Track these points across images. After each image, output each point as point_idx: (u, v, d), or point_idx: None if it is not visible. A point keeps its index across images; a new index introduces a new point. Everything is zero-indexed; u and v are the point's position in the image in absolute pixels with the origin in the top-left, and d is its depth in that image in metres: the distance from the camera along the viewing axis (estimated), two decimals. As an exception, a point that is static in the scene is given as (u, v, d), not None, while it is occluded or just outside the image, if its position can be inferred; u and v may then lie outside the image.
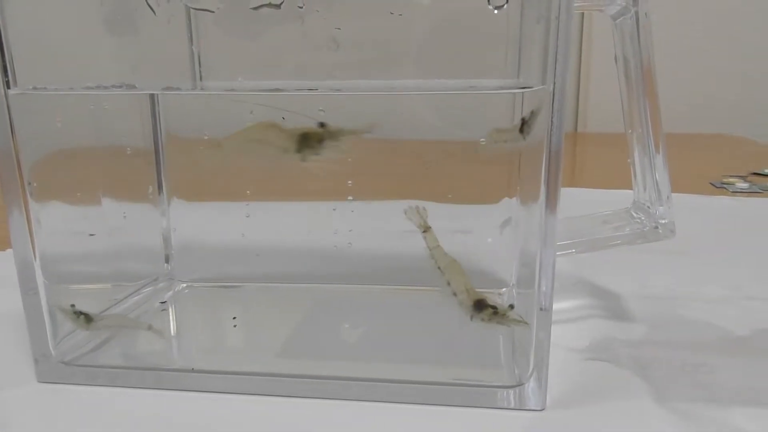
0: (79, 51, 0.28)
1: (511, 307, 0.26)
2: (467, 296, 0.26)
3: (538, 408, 0.26)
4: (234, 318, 0.34)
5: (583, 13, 0.86)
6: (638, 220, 0.33)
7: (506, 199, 0.31)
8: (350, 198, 0.33)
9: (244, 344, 0.33)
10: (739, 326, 0.33)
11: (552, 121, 0.23)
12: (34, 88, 0.27)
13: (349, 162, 0.32)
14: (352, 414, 0.26)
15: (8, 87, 0.26)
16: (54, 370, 0.28)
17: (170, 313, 0.35)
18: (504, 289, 0.33)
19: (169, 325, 0.34)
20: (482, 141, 0.31)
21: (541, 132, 0.24)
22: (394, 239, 0.32)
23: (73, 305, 0.29)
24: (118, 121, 0.34)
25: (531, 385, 0.26)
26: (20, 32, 0.26)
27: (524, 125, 0.25)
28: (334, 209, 0.33)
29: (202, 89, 0.31)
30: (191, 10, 0.28)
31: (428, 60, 0.26)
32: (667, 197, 0.31)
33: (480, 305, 0.26)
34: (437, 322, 0.31)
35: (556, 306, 0.25)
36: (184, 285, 0.37)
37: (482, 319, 0.26)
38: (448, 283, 0.27)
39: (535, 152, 0.24)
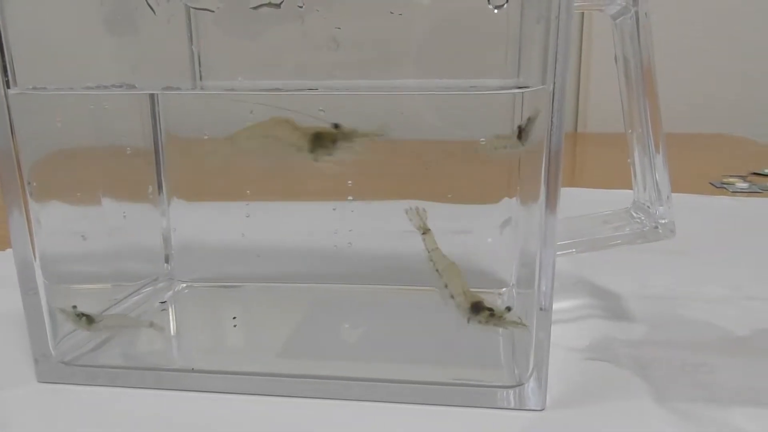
0: (79, 51, 0.28)
1: (509, 309, 0.26)
2: (464, 299, 0.26)
3: (538, 408, 0.26)
4: (234, 318, 0.34)
5: (583, 13, 0.86)
6: (638, 220, 0.33)
7: (506, 199, 0.31)
8: (350, 198, 0.33)
9: (244, 344, 0.33)
10: (739, 326, 0.33)
11: (552, 121, 0.23)
12: (34, 88, 0.27)
13: (349, 162, 0.32)
14: (352, 414, 0.26)
15: (8, 87, 0.26)
16: (54, 370, 0.28)
17: (170, 313, 0.35)
18: (504, 289, 0.33)
19: (169, 325, 0.34)
20: (482, 141, 0.31)
21: (540, 132, 0.24)
22: (394, 239, 0.32)
23: (74, 306, 0.29)
24: (118, 121, 0.34)
25: (531, 385, 0.26)
26: (20, 32, 0.26)
27: (521, 132, 0.25)
28: (334, 209, 0.33)
29: (202, 89, 0.31)
30: (191, 10, 0.28)
31: (428, 60, 0.26)
32: (667, 197, 0.31)
33: (477, 308, 0.26)
34: (437, 322, 0.31)
35: (556, 306, 0.25)
36: (184, 285, 0.37)
37: (479, 322, 0.26)
38: (446, 286, 0.27)
39: (535, 152, 0.24)
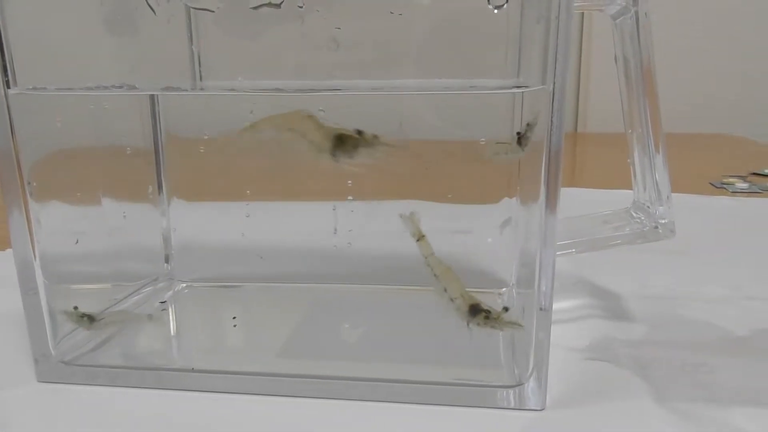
0: (79, 51, 0.28)
1: (506, 309, 0.26)
2: (463, 302, 0.26)
3: (538, 408, 0.26)
4: (234, 318, 0.34)
5: (583, 13, 0.86)
6: (638, 220, 0.33)
7: (506, 199, 0.31)
8: (350, 198, 0.33)
9: (244, 344, 0.33)
10: (739, 326, 0.33)
11: (552, 121, 0.23)
12: (34, 88, 0.27)
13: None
14: (352, 414, 0.26)
15: (8, 87, 0.26)
16: (54, 369, 0.28)
17: (170, 313, 0.35)
18: (504, 289, 0.33)
19: (169, 325, 0.34)
20: (482, 141, 0.31)
21: (540, 132, 0.24)
22: (394, 239, 0.32)
23: (76, 307, 0.29)
24: (118, 121, 0.34)
25: (531, 385, 0.26)
26: (20, 32, 0.26)
27: (521, 138, 0.25)
28: (334, 209, 0.33)
29: (202, 89, 0.31)
30: (191, 10, 0.28)
31: (428, 60, 0.26)
32: (667, 197, 0.31)
33: (474, 310, 0.26)
34: (437, 322, 0.31)
35: (556, 306, 0.25)
36: (184, 285, 0.37)
37: (477, 324, 0.26)
38: (445, 290, 0.27)
39: (535, 152, 0.24)
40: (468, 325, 0.26)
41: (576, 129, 1.24)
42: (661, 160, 0.31)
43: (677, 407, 0.26)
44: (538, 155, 0.24)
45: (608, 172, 0.61)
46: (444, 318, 0.27)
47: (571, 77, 1.23)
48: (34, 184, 0.27)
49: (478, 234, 0.33)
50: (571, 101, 1.23)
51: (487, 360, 0.29)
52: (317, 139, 0.26)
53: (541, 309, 0.25)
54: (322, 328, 0.33)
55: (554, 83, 0.23)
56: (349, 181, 0.32)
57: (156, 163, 0.35)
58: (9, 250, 0.28)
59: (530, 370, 0.26)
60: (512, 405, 0.26)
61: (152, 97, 0.34)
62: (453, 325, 0.27)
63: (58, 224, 0.30)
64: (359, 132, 0.25)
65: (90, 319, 0.30)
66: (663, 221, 0.32)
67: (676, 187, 0.32)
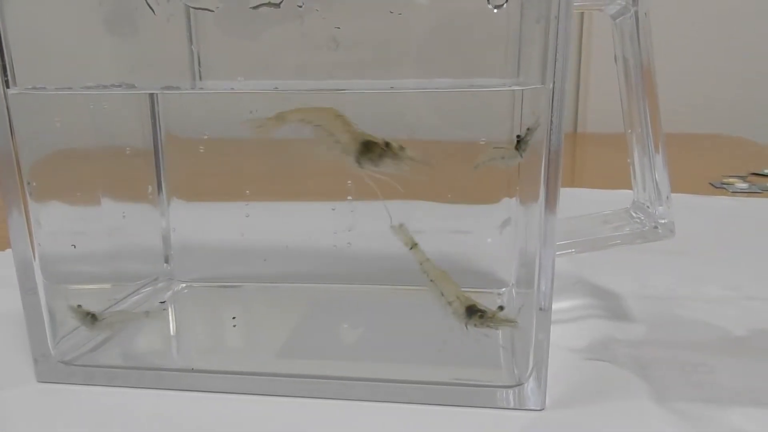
0: (79, 51, 0.28)
1: (501, 308, 0.26)
2: (459, 304, 0.26)
3: (538, 408, 0.26)
4: (234, 318, 0.34)
5: (582, 13, 0.86)
6: (638, 220, 0.33)
7: (506, 199, 0.31)
8: (350, 198, 0.33)
9: (243, 344, 0.33)
10: (739, 326, 0.33)
11: (552, 121, 0.23)
12: (34, 88, 0.27)
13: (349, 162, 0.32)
14: (352, 414, 0.26)
15: (8, 87, 0.26)
16: (53, 369, 0.28)
17: (170, 313, 0.35)
18: (503, 289, 0.33)
19: (169, 325, 0.34)
20: (482, 141, 0.31)
21: (540, 132, 0.24)
22: (393, 239, 0.32)
23: (79, 305, 0.29)
24: (118, 121, 0.34)
25: (530, 385, 0.26)
26: (20, 32, 0.26)
27: (520, 142, 0.25)
28: (333, 209, 0.33)
29: (201, 89, 0.31)
30: (191, 10, 0.28)
31: (428, 59, 0.26)
32: (667, 197, 0.31)
33: (470, 311, 0.26)
34: (437, 322, 0.31)
35: (556, 306, 0.25)
36: (184, 285, 0.37)
37: (474, 325, 0.26)
38: (442, 294, 0.27)
39: (535, 152, 0.24)
40: (466, 327, 0.26)
41: (576, 129, 1.24)
42: (660, 160, 0.31)
43: (677, 407, 0.26)
44: (537, 155, 0.24)
45: (608, 172, 0.61)
46: (443, 318, 0.27)
47: (571, 77, 1.23)
48: (34, 184, 0.27)
49: (477, 234, 0.33)
50: (571, 101, 1.23)
51: (487, 360, 0.29)
52: (344, 141, 0.25)
53: (540, 309, 0.25)
54: (321, 328, 0.33)
55: (554, 83, 0.23)
56: (349, 181, 0.32)
57: (156, 163, 0.35)
58: (9, 250, 0.28)
59: (530, 370, 0.26)
60: (512, 405, 0.26)
61: (152, 97, 0.34)
62: (452, 326, 0.27)
63: (58, 224, 0.30)
64: (387, 143, 0.25)
65: (93, 317, 0.30)
66: (663, 221, 0.32)
67: (676, 187, 0.32)
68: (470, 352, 0.29)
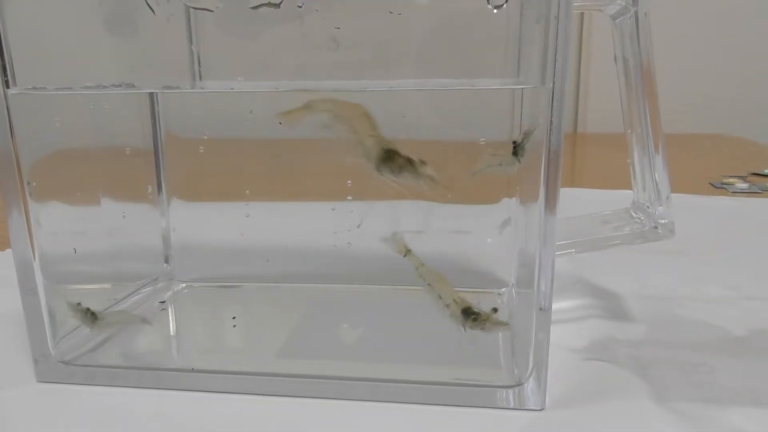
0: (79, 51, 0.28)
1: (495, 310, 0.26)
2: (456, 306, 0.26)
3: (538, 408, 0.26)
4: (234, 318, 0.34)
5: (582, 13, 0.86)
6: (638, 220, 0.33)
7: (506, 199, 0.31)
8: (349, 198, 0.33)
9: (243, 344, 0.33)
10: (739, 326, 0.33)
11: (551, 121, 0.23)
12: (34, 88, 0.27)
13: (349, 162, 0.32)
14: (352, 414, 0.26)
15: (8, 87, 0.26)
16: (53, 369, 0.28)
17: (170, 313, 0.35)
18: (503, 289, 0.33)
19: (169, 325, 0.34)
20: (482, 141, 0.31)
21: (540, 132, 0.24)
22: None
23: (79, 303, 0.29)
24: (118, 121, 0.34)
25: (530, 385, 0.26)
26: (20, 32, 0.26)
27: (517, 148, 0.25)
28: (333, 209, 0.33)
29: (201, 89, 0.31)
30: (191, 10, 0.28)
31: (428, 59, 0.26)
32: (667, 197, 0.31)
33: (466, 314, 0.26)
34: (437, 322, 0.31)
35: (556, 306, 0.25)
36: (184, 285, 0.37)
37: (471, 327, 0.26)
38: (440, 296, 0.27)
39: (535, 152, 0.24)
40: (464, 329, 0.26)
41: (576, 129, 1.24)
42: (660, 160, 0.31)
43: (677, 407, 0.26)
44: (537, 155, 0.24)
45: (608, 172, 0.61)
46: (443, 318, 0.27)
47: (571, 77, 1.23)
48: (34, 184, 0.27)
49: (478, 234, 0.33)
50: (571, 101, 1.23)
51: (487, 360, 0.29)
52: (367, 144, 0.25)
53: (540, 309, 0.25)
54: (321, 328, 0.33)
55: (554, 83, 0.23)
56: (349, 181, 0.32)
57: (156, 163, 0.35)
58: (9, 250, 0.28)
59: (530, 370, 0.26)
60: (512, 405, 0.26)
61: (152, 97, 0.34)
62: (452, 326, 0.27)
63: (58, 224, 0.30)
64: (410, 159, 0.25)
65: (93, 315, 0.30)
66: (662, 221, 0.32)
67: (676, 187, 0.32)
68: (470, 352, 0.29)
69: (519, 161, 0.25)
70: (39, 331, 0.28)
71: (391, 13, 0.25)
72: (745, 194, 0.66)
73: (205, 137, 0.34)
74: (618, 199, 0.34)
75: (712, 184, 0.70)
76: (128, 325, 0.32)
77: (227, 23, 0.27)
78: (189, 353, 0.32)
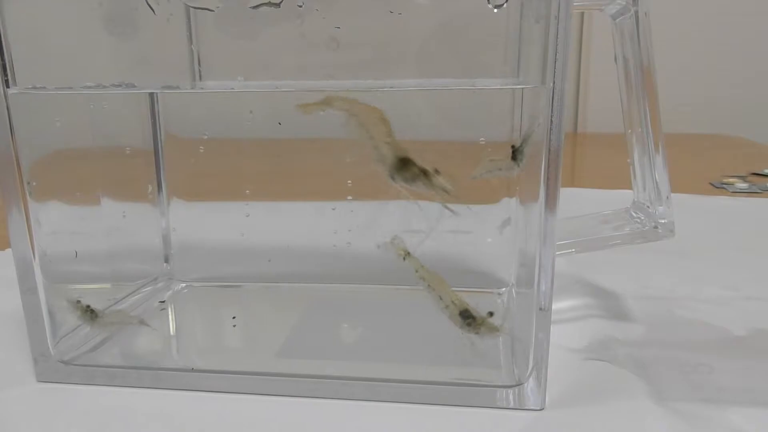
0: (79, 50, 0.28)
1: (491, 314, 0.26)
2: (455, 308, 0.26)
3: (537, 408, 0.26)
4: (234, 318, 0.34)
5: (582, 13, 0.86)
6: (638, 220, 0.33)
7: (506, 199, 0.31)
8: (349, 198, 0.33)
9: (243, 344, 0.33)
10: (738, 326, 0.33)
11: (551, 120, 0.23)
12: (34, 88, 0.27)
13: (349, 162, 0.32)
14: (351, 414, 0.26)
15: (8, 87, 0.26)
16: (53, 369, 0.28)
17: (169, 313, 0.35)
18: (504, 289, 0.33)
19: (169, 325, 0.34)
20: (482, 141, 0.31)
21: (540, 132, 0.24)
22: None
23: (79, 300, 0.29)
24: (118, 121, 0.34)
25: (530, 385, 0.26)
26: (20, 32, 0.26)
27: (516, 152, 0.25)
28: (333, 209, 0.33)
29: (201, 89, 0.31)
30: (191, 10, 0.28)
31: (428, 59, 0.26)
32: (667, 197, 0.31)
33: (463, 316, 0.26)
34: (437, 322, 0.31)
35: (556, 306, 0.25)
36: (184, 285, 0.37)
37: (466, 331, 0.26)
38: (440, 298, 0.27)
39: (535, 152, 0.24)
40: (462, 330, 0.26)
41: (575, 129, 1.24)
42: (660, 160, 0.31)
43: (676, 407, 0.26)
44: (537, 155, 0.24)
45: (608, 172, 0.61)
46: (443, 318, 0.27)
47: (571, 77, 1.23)
48: (34, 184, 0.27)
49: (478, 234, 0.33)
50: (571, 101, 1.23)
51: (487, 360, 0.29)
52: (383, 149, 0.25)
53: (540, 309, 0.25)
54: (321, 328, 0.33)
55: (554, 83, 0.23)
56: (349, 181, 0.32)
57: (155, 163, 0.35)
58: (9, 250, 0.28)
59: (530, 370, 0.26)
60: (512, 405, 0.26)
61: (152, 97, 0.34)
62: (452, 326, 0.27)
63: (57, 224, 0.30)
64: (424, 170, 0.25)
65: (93, 313, 0.30)
66: (663, 221, 0.32)
67: (676, 187, 0.32)
68: (470, 352, 0.29)
69: (518, 165, 0.25)
70: (39, 331, 0.28)
71: (391, 12, 0.25)
72: (745, 194, 0.66)
73: (205, 137, 0.34)
74: (618, 198, 0.35)
75: (712, 184, 0.70)
76: (126, 325, 0.32)
77: (227, 23, 0.27)
78: (189, 353, 0.32)
